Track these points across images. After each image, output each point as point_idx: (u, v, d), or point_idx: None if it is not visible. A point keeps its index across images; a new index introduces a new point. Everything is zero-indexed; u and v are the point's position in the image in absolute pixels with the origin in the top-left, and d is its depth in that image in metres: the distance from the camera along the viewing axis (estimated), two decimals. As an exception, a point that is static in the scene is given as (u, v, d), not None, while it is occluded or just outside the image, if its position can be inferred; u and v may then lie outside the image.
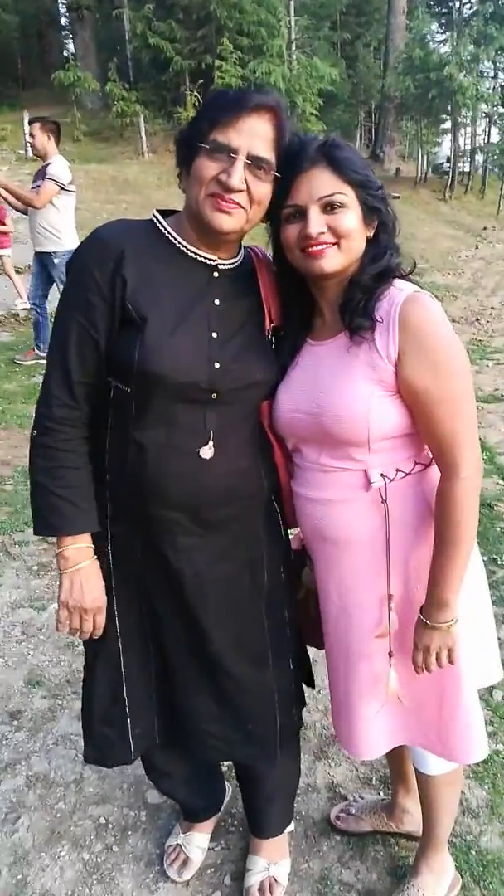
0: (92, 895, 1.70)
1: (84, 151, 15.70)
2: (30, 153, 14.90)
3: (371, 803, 1.88)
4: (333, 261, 1.23)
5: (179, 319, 1.22)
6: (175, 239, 1.27)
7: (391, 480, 1.28)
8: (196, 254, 1.27)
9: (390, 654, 1.34)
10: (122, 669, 1.41)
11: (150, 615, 1.39)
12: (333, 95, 17.76)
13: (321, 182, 1.20)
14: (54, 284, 5.67)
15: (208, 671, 1.40)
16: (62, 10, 24.26)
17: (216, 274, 1.29)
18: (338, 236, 1.22)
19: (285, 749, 1.55)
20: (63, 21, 24.85)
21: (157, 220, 1.30)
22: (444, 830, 1.62)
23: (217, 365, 1.24)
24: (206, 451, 1.25)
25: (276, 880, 1.69)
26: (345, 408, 1.23)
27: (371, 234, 1.27)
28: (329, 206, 1.21)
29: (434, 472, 1.30)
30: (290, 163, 1.21)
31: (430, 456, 1.30)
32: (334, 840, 1.84)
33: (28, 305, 5.95)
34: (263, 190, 1.21)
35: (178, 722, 1.45)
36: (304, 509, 1.38)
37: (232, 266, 1.31)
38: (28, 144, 5.56)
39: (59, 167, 5.31)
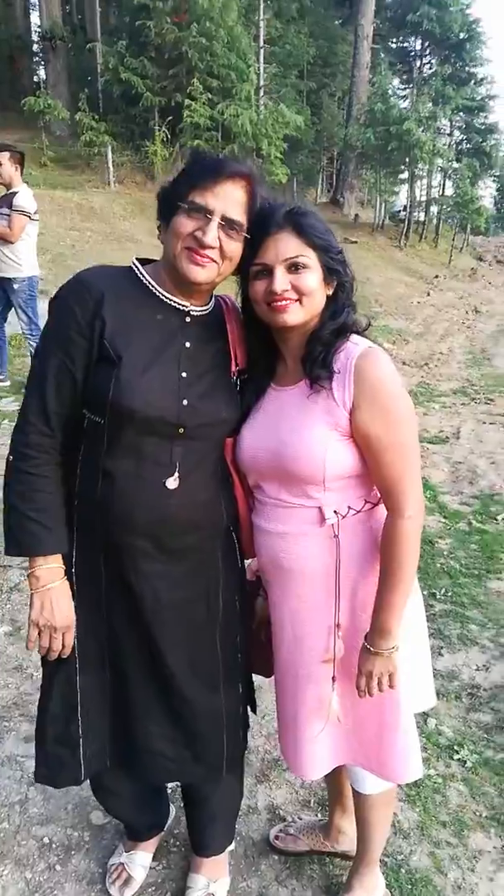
0: (33, 913, 1.74)
1: (50, 177, 15.81)
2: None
3: (309, 824, 1.97)
4: (295, 315, 1.37)
5: (152, 359, 1.34)
6: (152, 286, 1.40)
7: (343, 517, 1.41)
8: (170, 300, 1.40)
9: (333, 679, 1.46)
10: (78, 690, 1.47)
11: (109, 638, 1.46)
12: (298, 141, 18.35)
13: (287, 245, 1.35)
14: (13, 309, 5.72)
15: (162, 692, 1.48)
16: (35, 37, 24.57)
17: (188, 319, 1.41)
18: (300, 293, 1.36)
19: (231, 770, 1.64)
20: (35, 48, 25.15)
21: (137, 267, 1.42)
22: (377, 848, 1.71)
23: (185, 402, 1.35)
24: (172, 482, 1.35)
25: None
26: (304, 449, 1.36)
27: (330, 292, 1.41)
28: (293, 267, 1.35)
29: (381, 511, 1.43)
30: (259, 225, 1.35)
31: (376, 496, 1.44)
32: (272, 860, 1.92)
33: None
34: (234, 248, 1.35)
35: (130, 742, 1.51)
36: (263, 541, 1.50)
37: (203, 313, 1.44)
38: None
39: (25, 198, 5.39)
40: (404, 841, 1.98)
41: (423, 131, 20.69)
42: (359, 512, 1.43)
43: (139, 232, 13.56)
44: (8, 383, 6.01)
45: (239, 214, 1.33)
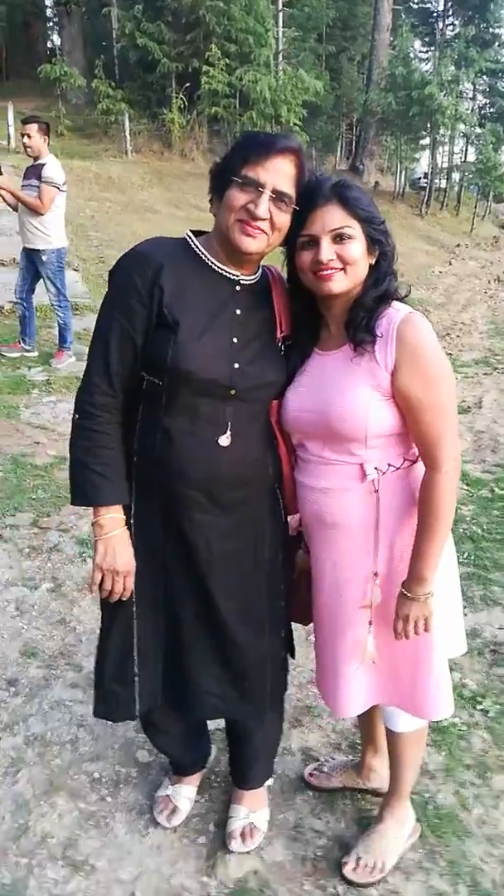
0: (88, 838, 1.88)
1: (68, 147, 15.73)
2: (11, 144, 14.92)
3: (341, 763, 2.10)
4: (340, 283, 1.45)
5: (206, 325, 1.43)
6: (205, 256, 1.49)
7: (383, 473, 1.50)
8: (222, 269, 1.49)
9: (370, 623, 1.57)
10: (135, 633, 1.59)
11: (165, 585, 1.58)
12: (317, 107, 18.08)
13: (332, 217, 1.42)
14: (41, 280, 5.79)
15: (213, 636, 1.59)
16: (49, 2, 24.22)
17: (238, 287, 1.50)
18: (345, 263, 1.44)
19: (273, 708, 1.77)
20: (49, 13, 24.81)
21: (191, 239, 1.51)
22: (409, 783, 1.84)
23: (236, 366, 1.45)
24: (224, 440, 1.46)
25: (255, 826, 1.89)
26: (348, 409, 1.45)
27: (373, 261, 1.49)
28: (338, 237, 1.43)
29: (419, 468, 1.53)
30: (306, 198, 1.43)
31: (417, 453, 1.53)
32: (307, 795, 2.05)
33: (15, 299, 6.05)
34: (284, 219, 1.42)
35: (182, 682, 1.63)
36: (306, 496, 1.60)
37: (252, 281, 1.53)
38: (23, 145, 5.61)
39: (54, 169, 5.41)
40: (431, 781, 2.10)
41: (445, 95, 20.28)
42: (398, 469, 1.52)
43: (158, 202, 13.54)
44: (36, 353, 6.12)
45: (289, 188, 1.40)
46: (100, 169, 15.02)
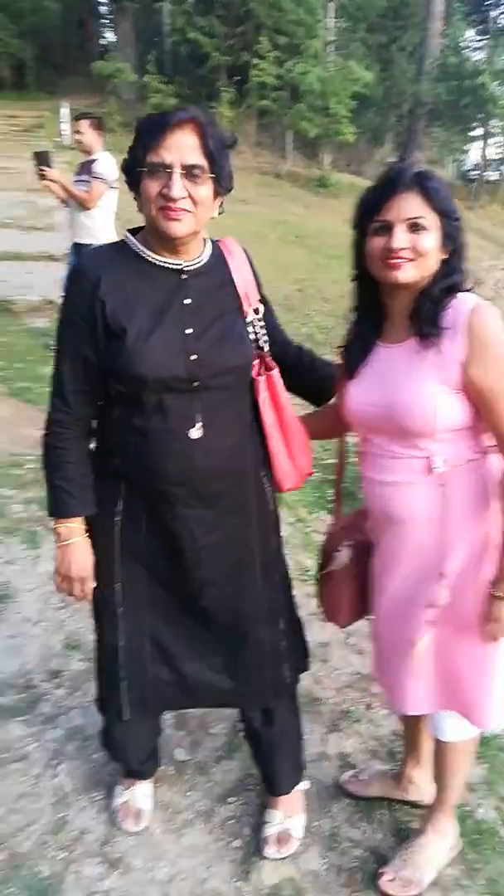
0: (124, 835, 1.90)
1: (119, 142, 15.71)
2: (65, 141, 15.14)
3: (379, 771, 2.07)
4: (408, 273, 1.43)
5: (153, 324, 1.42)
6: (143, 252, 1.47)
7: (451, 467, 1.47)
8: (162, 262, 1.47)
9: (431, 624, 1.54)
10: (120, 634, 1.62)
11: (155, 581, 1.60)
12: (366, 98, 17.82)
13: (410, 205, 1.40)
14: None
15: (205, 628, 1.63)
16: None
17: (184, 276, 1.48)
18: (417, 254, 1.41)
19: (281, 704, 1.79)
20: (103, 11, 25.07)
21: (128, 238, 1.51)
22: (454, 796, 1.80)
23: (194, 357, 1.43)
24: (195, 432, 1.46)
25: (290, 833, 1.87)
26: (416, 404, 1.43)
27: (446, 256, 1.46)
28: (413, 227, 1.40)
29: (491, 461, 1.50)
30: (387, 184, 1.42)
31: (485, 446, 1.50)
32: (343, 803, 2.02)
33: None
34: (204, 192, 1.39)
35: (177, 673, 1.66)
36: (373, 491, 1.59)
37: (198, 265, 1.50)
38: (75, 141, 5.68)
39: (106, 165, 5.45)
40: (472, 794, 2.05)
41: (498, 85, 19.74)
42: (467, 462, 1.49)
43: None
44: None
45: (196, 158, 1.36)
46: (148, 164, 15.11)
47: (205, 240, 1.55)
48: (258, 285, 1.61)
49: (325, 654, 2.65)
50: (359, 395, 1.54)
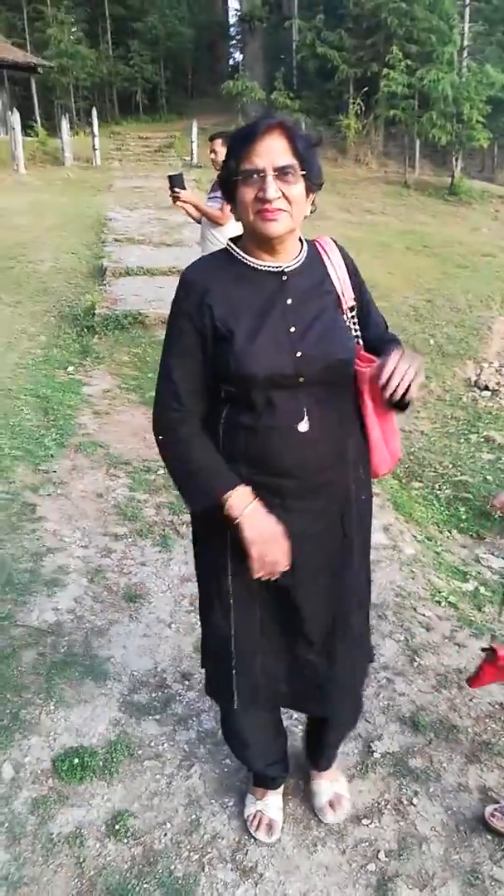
0: (256, 844, 1.89)
1: (246, 158, 16.26)
2: (194, 159, 15.71)
3: None
4: None
5: (258, 325, 1.47)
6: (244, 258, 1.51)
7: None
8: (263, 266, 1.51)
9: None
10: (232, 626, 1.62)
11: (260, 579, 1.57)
12: (502, 102, 17.14)
13: None
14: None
15: (302, 617, 1.61)
16: (233, 20, 25.24)
17: (284, 277, 1.51)
18: None
19: (357, 696, 1.89)
20: (233, 32, 25.83)
21: (231, 246, 1.56)
22: None
23: (299, 354, 1.46)
24: (303, 426, 1.48)
25: (340, 794, 2.01)
26: None
27: None
28: None
29: None
30: None
31: None
32: (485, 839, 1.91)
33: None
34: (296, 191, 1.42)
35: (279, 674, 1.66)
36: None
37: (297, 266, 1.53)
38: (211, 160, 5.85)
39: (238, 182, 5.58)
40: None
41: None
42: None
43: (330, 208, 13.53)
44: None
45: (287, 159, 1.39)
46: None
47: (302, 240, 1.58)
48: (358, 286, 1.63)
49: (462, 681, 2.52)
50: None
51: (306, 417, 1.48)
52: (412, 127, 15.79)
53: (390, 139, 18.50)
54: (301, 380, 1.47)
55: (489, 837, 1.91)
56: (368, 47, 17.04)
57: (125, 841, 1.89)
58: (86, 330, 6.86)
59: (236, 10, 23.43)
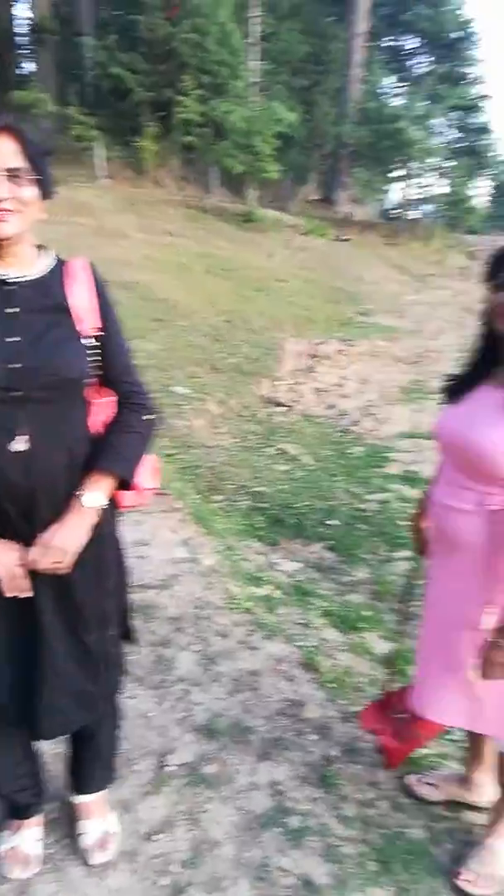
0: (41, 881, 1.79)
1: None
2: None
3: (446, 775, 2.13)
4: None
5: None
6: None
7: None
8: None
9: (479, 648, 1.64)
10: None
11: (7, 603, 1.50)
12: (290, 138, 18.41)
13: None
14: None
15: (46, 641, 1.54)
16: (20, 30, 24.36)
17: (13, 287, 1.45)
18: None
19: (109, 711, 1.81)
20: (20, 41, 24.89)
21: None
22: None
23: (18, 365, 1.40)
24: (16, 445, 1.40)
25: (108, 832, 1.90)
26: (486, 445, 1.54)
27: None
28: None
29: None
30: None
31: None
32: (274, 832, 1.98)
33: None
34: (28, 193, 1.41)
35: (32, 700, 1.57)
36: (435, 512, 1.75)
37: (31, 278, 1.48)
38: None
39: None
40: None
41: (416, 130, 20.80)
42: None
43: (129, 227, 13.58)
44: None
45: (17, 162, 1.39)
46: (70, 194, 15.02)
47: (47, 253, 1.54)
48: (106, 315, 1.56)
49: (255, 683, 2.61)
50: (446, 420, 1.70)
51: (21, 437, 1.40)
52: (207, 154, 16.35)
53: (189, 164, 19.00)
54: (18, 394, 1.40)
55: (278, 830, 1.98)
56: (162, 73, 17.39)
57: None
58: None
59: (29, 19, 22.62)
